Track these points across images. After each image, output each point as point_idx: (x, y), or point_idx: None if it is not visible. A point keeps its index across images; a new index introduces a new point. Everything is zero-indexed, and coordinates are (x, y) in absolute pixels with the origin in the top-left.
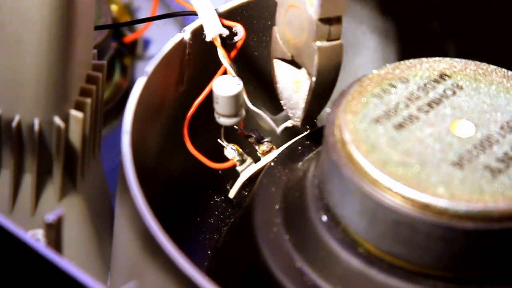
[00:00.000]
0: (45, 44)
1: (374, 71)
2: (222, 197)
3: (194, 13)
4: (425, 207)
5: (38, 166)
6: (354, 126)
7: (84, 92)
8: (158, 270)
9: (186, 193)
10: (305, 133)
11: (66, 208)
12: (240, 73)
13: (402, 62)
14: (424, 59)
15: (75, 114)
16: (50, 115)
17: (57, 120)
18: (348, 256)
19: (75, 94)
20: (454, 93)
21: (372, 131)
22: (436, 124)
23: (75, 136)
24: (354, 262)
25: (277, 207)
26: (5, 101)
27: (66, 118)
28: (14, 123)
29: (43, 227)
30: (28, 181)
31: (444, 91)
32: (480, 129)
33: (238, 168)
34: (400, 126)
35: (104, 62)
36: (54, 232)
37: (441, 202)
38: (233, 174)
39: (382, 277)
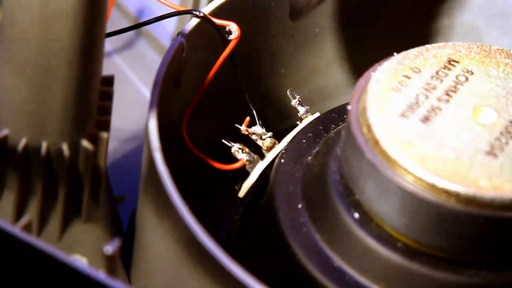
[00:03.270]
0: (74, 69)
1: (385, 63)
2: (227, 194)
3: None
4: (471, 201)
5: (67, 190)
6: (383, 123)
7: (102, 110)
8: (205, 276)
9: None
10: (302, 124)
11: (91, 228)
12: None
13: (408, 51)
14: (428, 46)
15: (102, 135)
16: (77, 138)
17: (85, 143)
18: (388, 252)
19: (96, 113)
20: (467, 79)
21: (401, 127)
22: (459, 113)
23: (101, 156)
24: (395, 257)
25: (300, 206)
26: (31, 130)
27: (90, 139)
28: (43, 151)
29: (103, 259)
30: (56, 205)
31: (456, 77)
32: (502, 115)
33: (248, 168)
34: (426, 119)
35: (113, 75)
36: (114, 262)
37: (486, 195)
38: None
39: (424, 269)
